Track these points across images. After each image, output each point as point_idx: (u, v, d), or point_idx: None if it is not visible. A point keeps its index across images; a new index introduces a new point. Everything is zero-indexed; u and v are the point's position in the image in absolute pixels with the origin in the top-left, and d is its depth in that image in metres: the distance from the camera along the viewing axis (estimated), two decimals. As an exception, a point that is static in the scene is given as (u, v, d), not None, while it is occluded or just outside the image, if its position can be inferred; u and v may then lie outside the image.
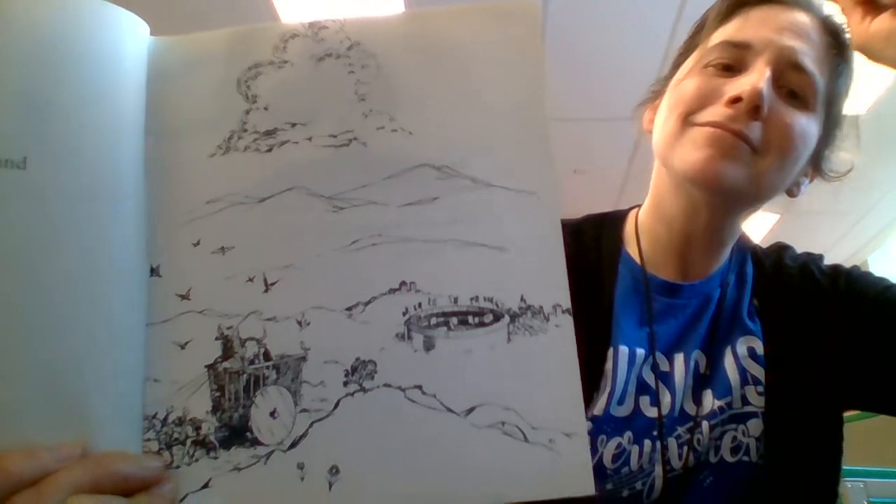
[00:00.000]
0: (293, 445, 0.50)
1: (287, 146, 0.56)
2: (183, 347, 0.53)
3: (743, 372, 0.79)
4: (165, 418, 0.52)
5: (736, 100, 0.71)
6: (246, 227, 0.55)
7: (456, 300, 0.54)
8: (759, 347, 0.80)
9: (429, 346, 0.53)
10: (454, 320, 0.53)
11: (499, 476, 0.51)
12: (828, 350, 0.78)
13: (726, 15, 0.79)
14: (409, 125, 0.56)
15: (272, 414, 0.51)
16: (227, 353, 0.53)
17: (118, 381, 0.50)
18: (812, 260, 0.87)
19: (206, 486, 0.49)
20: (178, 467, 0.49)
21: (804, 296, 0.82)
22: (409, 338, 0.52)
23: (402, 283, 0.54)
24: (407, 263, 0.53)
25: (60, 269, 0.49)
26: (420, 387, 0.51)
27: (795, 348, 0.78)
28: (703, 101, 0.75)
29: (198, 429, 0.50)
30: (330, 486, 0.50)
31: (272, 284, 0.54)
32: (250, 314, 0.53)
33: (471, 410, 0.51)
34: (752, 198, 0.78)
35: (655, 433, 0.77)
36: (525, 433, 0.51)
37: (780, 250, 0.89)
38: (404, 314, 0.53)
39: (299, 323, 0.53)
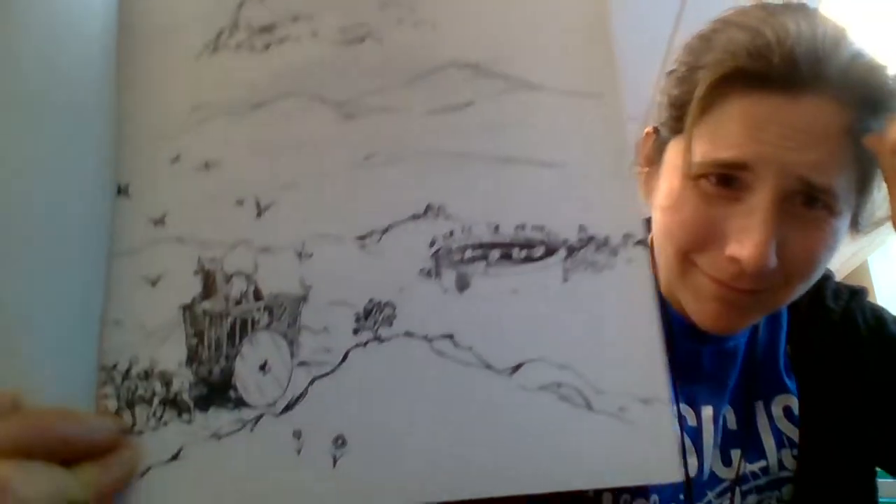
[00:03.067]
0: (288, 408, 0.41)
1: (287, 44, 0.46)
2: (154, 283, 0.44)
3: (778, 434, 0.72)
4: (128, 370, 0.42)
5: (736, 260, 0.59)
6: (236, 140, 0.46)
7: (497, 228, 0.43)
8: (795, 406, 0.73)
9: (462, 285, 0.43)
10: (495, 254, 0.43)
11: (552, 454, 0.40)
12: (865, 408, 0.71)
13: (713, 99, 0.60)
14: (434, 16, 0.46)
15: (262, 367, 0.42)
16: (209, 290, 0.43)
17: (68, 319, 0.40)
18: (856, 302, 0.77)
19: (175, 457, 0.41)
20: (140, 432, 0.41)
21: (844, 345, 0.74)
22: (437, 275, 0.42)
23: (429, 207, 0.43)
24: (434, 182, 0.44)
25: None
26: (451, 336, 0.41)
27: (831, 406, 0.72)
28: (701, 241, 0.62)
29: (168, 384, 0.42)
30: (334, 460, 0.40)
31: (266, 208, 0.44)
32: (239, 243, 0.44)
33: (517, 368, 0.41)
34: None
35: (682, 497, 0.68)
36: (588, 398, 0.40)
37: (819, 282, 0.76)
38: (431, 245, 0.43)
39: (299, 255, 0.43)
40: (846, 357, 0.73)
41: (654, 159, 0.71)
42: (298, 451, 0.40)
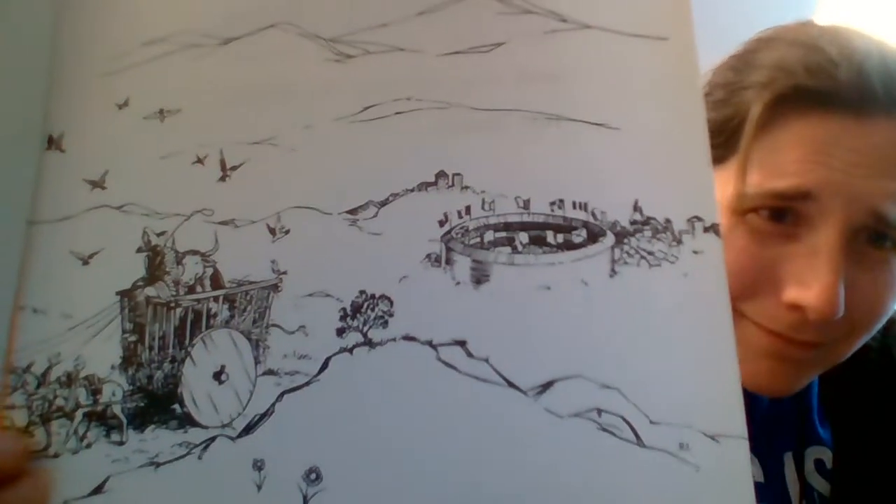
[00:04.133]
0: (248, 430, 0.34)
1: (269, -37, 0.39)
2: (86, 262, 0.37)
3: (809, 491, 0.66)
4: (45, 373, 0.35)
5: (799, 306, 0.52)
6: (200, 82, 0.39)
7: (527, 205, 0.36)
8: (828, 459, 0.66)
9: (480, 276, 0.35)
10: (523, 237, 0.36)
11: (589, 499, 0.33)
12: None
13: (768, 119, 0.54)
14: (457, -68, 0.39)
15: (218, 376, 0.35)
16: (155, 273, 0.36)
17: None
18: (893, 336, 0.71)
19: (98, 489, 0.34)
20: (56, 455, 0.34)
21: (882, 387, 0.68)
22: (448, 262, 0.35)
23: (441, 175, 0.36)
24: (449, 144, 0.36)
25: None
26: (463, 343, 0.34)
27: (868, 458, 0.66)
28: (752, 287, 0.55)
29: (96, 393, 0.35)
30: (305, 500, 0.33)
31: (234, 168, 0.37)
32: (195, 213, 0.37)
33: (546, 387, 0.34)
34: None
35: None
36: (637, 431, 0.33)
37: None
38: (442, 224, 0.36)
39: (271, 230, 0.36)
40: (885, 400, 0.67)
41: None
42: (259, 487, 0.33)
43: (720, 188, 0.55)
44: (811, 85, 0.51)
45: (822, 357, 0.57)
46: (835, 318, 0.50)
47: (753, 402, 0.66)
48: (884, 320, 0.57)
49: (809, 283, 0.51)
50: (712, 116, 0.57)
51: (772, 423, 0.67)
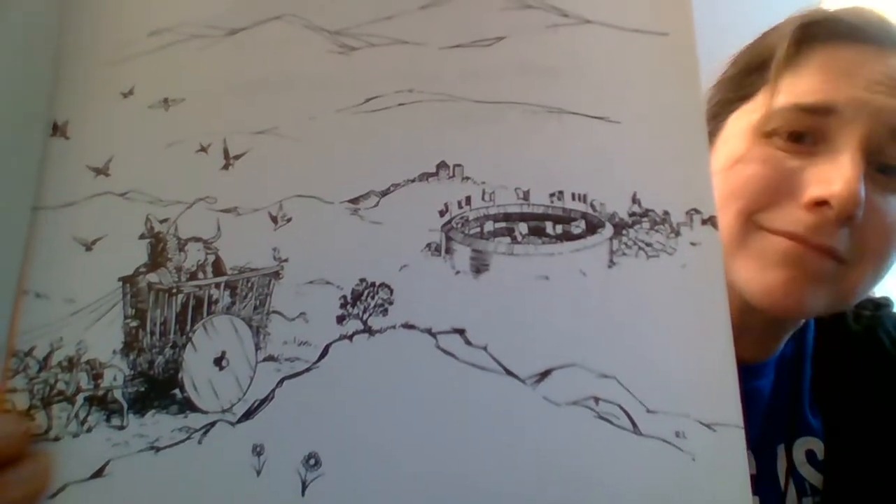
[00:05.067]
0: (248, 415, 0.34)
1: (274, -44, 0.39)
2: (89, 247, 0.37)
3: (800, 482, 0.65)
4: (47, 357, 0.35)
5: (821, 202, 0.53)
6: (204, 72, 0.38)
7: (526, 196, 0.36)
8: (820, 450, 0.66)
9: (479, 266, 0.35)
10: (522, 227, 0.36)
11: (584, 488, 0.33)
12: (893, 441, 0.65)
13: (796, 51, 0.57)
14: (460, -72, 0.39)
15: (218, 361, 0.34)
16: (157, 259, 0.36)
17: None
18: (880, 319, 0.71)
19: (99, 473, 0.33)
20: (57, 439, 0.34)
21: (868, 370, 0.68)
22: (447, 251, 0.35)
23: (442, 166, 0.36)
24: (450, 135, 0.36)
25: None
26: (462, 331, 0.34)
27: (858, 446, 0.65)
28: (772, 195, 0.56)
29: (97, 378, 0.35)
30: (304, 485, 0.33)
31: (237, 157, 0.37)
32: (198, 201, 0.37)
33: (544, 376, 0.34)
34: (836, 311, 0.64)
35: None
36: (634, 418, 0.33)
37: None
38: (442, 214, 0.36)
39: (274, 218, 0.36)
40: (871, 384, 0.67)
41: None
42: (258, 472, 0.33)
43: (747, 117, 0.59)
44: (838, 17, 0.55)
45: (835, 278, 0.56)
46: (855, 215, 0.51)
47: (757, 398, 0.66)
48: (891, 259, 0.57)
49: (832, 180, 0.52)
50: (745, 59, 0.62)
51: (769, 417, 0.66)
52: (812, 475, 0.65)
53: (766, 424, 0.66)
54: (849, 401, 0.66)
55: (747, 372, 0.66)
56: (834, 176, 0.52)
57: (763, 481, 0.65)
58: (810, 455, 0.66)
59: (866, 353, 0.68)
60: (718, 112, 0.63)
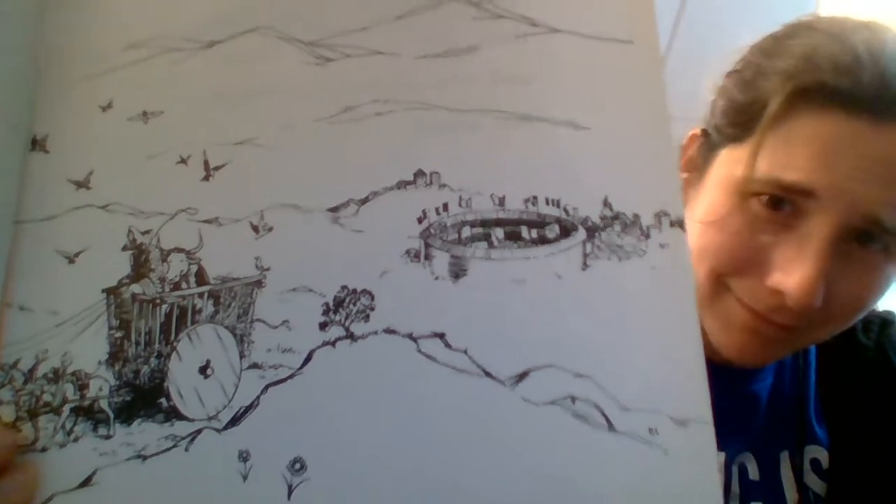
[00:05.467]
0: (234, 422, 0.34)
1: (250, -32, 0.39)
2: (72, 260, 0.37)
3: (805, 491, 0.65)
4: (32, 369, 0.35)
5: (779, 291, 0.54)
6: (182, 84, 0.39)
7: (502, 202, 0.37)
8: (825, 459, 0.66)
9: (458, 271, 0.36)
10: (499, 233, 0.36)
11: (562, 484, 0.34)
12: None
13: (787, 109, 0.54)
14: (433, -60, 0.39)
15: (203, 370, 0.35)
16: (140, 270, 0.36)
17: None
18: (889, 336, 0.71)
19: (86, 482, 0.34)
20: (44, 449, 0.34)
21: (878, 386, 0.67)
22: (426, 257, 0.36)
23: (419, 174, 0.37)
24: (427, 143, 0.37)
25: None
26: (442, 335, 0.35)
27: (864, 458, 0.65)
28: (739, 266, 0.57)
29: (83, 388, 0.35)
30: (290, 489, 0.33)
31: (217, 168, 0.38)
32: (180, 212, 0.37)
33: (522, 377, 0.35)
34: None
35: None
36: (609, 417, 0.34)
37: None
38: (420, 221, 0.36)
39: (255, 228, 0.37)
40: (880, 399, 0.67)
41: (698, 164, 0.64)
42: (245, 477, 0.34)
43: (731, 167, 0.57)
44: (833, 83, 0.51)
45: (796, 340, 0.58)
46: (811, 309, 0.51)
47: (754, 402, 0.67)
48: (861, 315, 0.57)
49: (792, 272, 0.51)
50: (737, 96, 0.59)
51: (771, 422, 0.66)
52: (816, 484, 0.65)
53: (766, 429, 0.66)
54: (855, 413, 0.66)
55: (744, 375, 0.66)
56: (794, 268, 0.52)
57: (767, 488, 0.65)
58: (815, 464, 0.66)
59: (876, 370, 0.68)
60: (712, 141, 0.62)
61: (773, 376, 0.69)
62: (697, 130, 0.65)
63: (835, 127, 0.51)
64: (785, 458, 0.66)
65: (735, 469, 0.66)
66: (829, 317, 0.55)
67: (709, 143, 0.62)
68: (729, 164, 0.59)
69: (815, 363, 0.70)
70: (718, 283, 0.58)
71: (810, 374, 0.69)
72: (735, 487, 0.65)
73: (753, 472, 0.66)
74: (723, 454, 0.65)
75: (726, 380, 0.65)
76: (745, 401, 0.68)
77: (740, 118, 0.57)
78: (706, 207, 0.59)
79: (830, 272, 0.52)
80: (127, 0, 0.40)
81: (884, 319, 0.71)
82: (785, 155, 0.53)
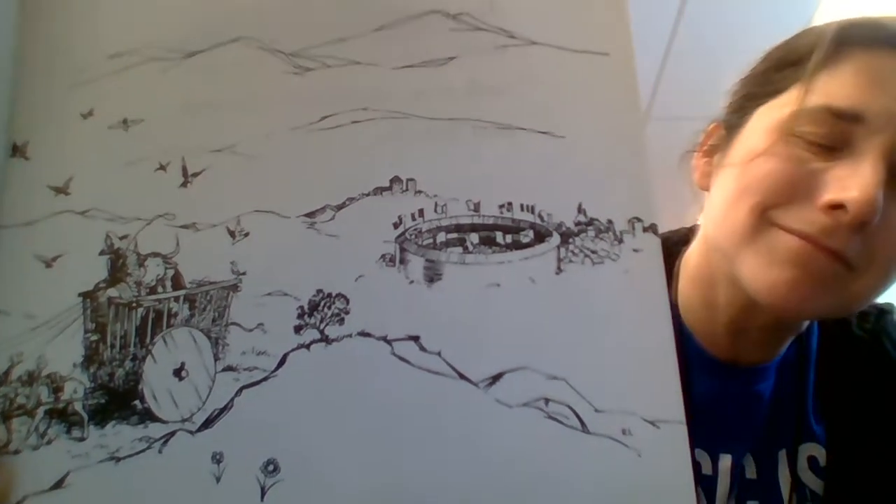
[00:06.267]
0: (208, 424, 0.34)
1: (231, -20, 0.40)
2: (49, 264, 0.37)
3: (801, 489, 0.64)
4: (6, 372, 0.35)
5: (837, 206, 0.52)
6: (163, 93, 0.39)
7: (477, 207, 0.37)
8: (822, 457, 0.65)
9: (432, 275, 0.36)
10: (473, 238, 0.37)
11: (536, 485, 0.34)
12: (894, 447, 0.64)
13: (834, 51, 0.56)
14: (413, -47, 0.40)
15: (178, 372, 0.35)
16: (116, 275, 0.36)
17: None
18: (884, 327, 0.70)
19: (59, 484, 0.33)
20: (17, 451, 0.34)
21: (873, 378, 0.66)
22: (401, 262, 0.36)
23: (395, 180, 0.37)
24: (403, 151, 0.38)
25: None
26: (417, 338, 0.35)
27: (860, 454, 0.64)
28: (789, 192, 0.55)
29: (57, 391, 0.35)
30: (263, 491, 0.33)
31: (195, 175, 0.38)
32: (157, 218, 0.37)
33: (496, 379, 0.35)
34: (838, 316, 0.65)
35: None
36: (583, 418, 0.34)
37: None
38: (396, 226, 0.37)
39: (231, 233, 0.37)
40: (875, 392, 0.66)
41: (718, 148, 0.64)
42: (218, 479, 0.33)
43: (773, 113, 0.58)
44: (881, 23, 0.55)
45: (841, 283, 0.55)
46: (870, 222, 0.51)
47: (758, 402, 0.66)
48: None
49: (851, 186, 0.51)
50: (769, 62, 0.61)
51: (771, 421, 0.66)
52: (813, 482, 0.64)
53: (768, 429, 0.66)
54: (852, 408, 0.66)
55: (748, 375, 0.66)
56: (853, 181, 0.51)
57: (763, 486, 0.65)
58: (812, 461, 0.65)
59: (871, 360, 0.68)
60: (743, 105, 0.62)
61: (775, 375, 0.68)
62: (717, 124, 0.66)
63: (881, 60, 0.53)
64: (782, 456, 0.66)
65: (736, 471, 0.65)
66: (873, 258, 0.54)
67: (739, 111, 0.62)
68: (770, 113, 0.59)
69: (815, 364, 0.69)
70: (762, 219, 0.56)
71: (809, 371, 0.68)
72: (734, 489, 0.65)
73: (750, 471, 0.65)
74: (729, 456, 0.64)
75: (733, 380, 0.65)
76: (751, 401, 0.67)
77: (781, 72, 0.59)
78: (746, 150, 0.59)
79: (882, 198, 0.51)
80: (110, 10, 0.40)
81: (880, 310, 0.71)
82: (834, 86, 0.54)
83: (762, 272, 0.56)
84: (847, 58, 0.54)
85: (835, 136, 0.53)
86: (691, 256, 0.68)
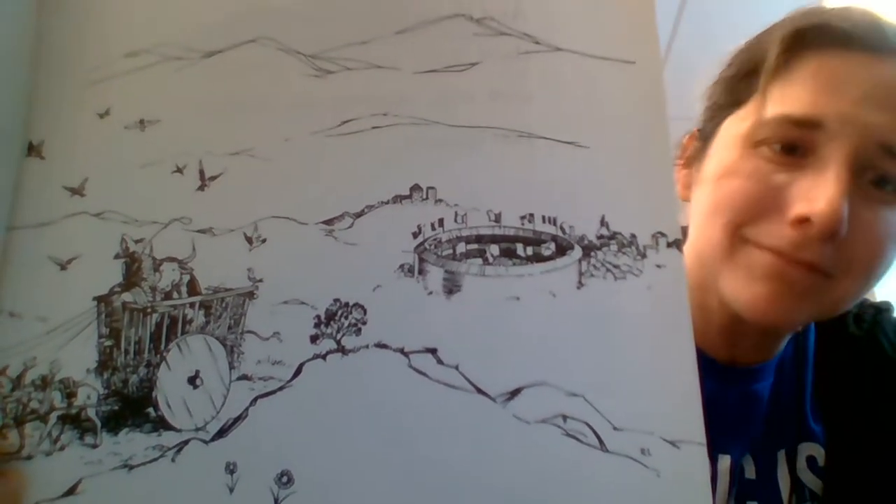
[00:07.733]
0: (222, 434, 0.34)
1: (252, -21, 0.39)
2: (64, 267, 0.36)
3: (800, 489, 0.65)
4: (20, 376, 0.35)
5: (803, 220, 0.52)
6: (181, 93, 0.38)
7: (498, 218, 0.36)
8: (821, 456, 0.65)
9: (451, 286, 0.35)
10: (494, 249, 0.36)
11: (554, 502, 0.33)
12: (893, 446, 0.64)
13: (786, 59, 0.56)
14: (437, -45, 0.39)
15: (192, 380, 0.34)
16: (132, 279, 0.35)
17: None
18: (880, 324, 0.70)
19: (71, 491, 0.33)
20: (29, 457, 0.33)
21: (870, 376, 0.67)
22: (420, 272, 0.35)
23: (415, 189, 0.37)
24: (424, 159, 0.37)
25: None
26: (434, 351, 0.34)
27: (859, 453, 0.65)
28: (757, 210, 0.56)
29: (70, 396, 0.34)
30: (276, 502, 0.33)
31: (212, 179, 0.37)
32: (174, 222, 0.37)
33: (514, 394, 0.34)
34: (822, 320, 0.65)
35: None
36: (601, 436, 0.33)
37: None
38: (416, 235, 0.36)
39: (249, 239, 0.36)
40: (872, 390, 0.66)
41: (695, 159, 0.65)
42: (231, 489, 0.33)
43: (737, 125, 0.58)
44: (829, 24, 0.53)
45: (820, 292, 0.55)
46: (838, 232, 0.51)
47: (757, 402, 0.66)
48: (881, 268, 0.56)
49: (815, 198, 0.51)
50: (733, 68, 0.61)
51: (770, 421, 0.65)
52: (812, 481, 0.64)
53: (767, 428, 0.66)
54: (850, 407, 0.66)
55: (747, 374, 0.65)
56: (817, 193, 0.51)
57: (763, 487, 0.64)
58: (811, 461, 0.65)
59: (867, 358, 0.68)
60: (713, 115, 0.62)
61: (774, 376, 0.68)
62: (695, 131, 0.65)
63: (835, 62, 0.53)
64: (782, 456, 0.66)
65: (736, 471, 0.65)
66: (850, 262, 0.54)
67: (711, 120, 0.62)
68: (734, 125, 0.59)
69: (813, 363, 0.69)
70: (735, 237, 0.56)
71: (807, 371, 0.68)
72: (733, 489, 0.65)
73: (750, 471, 0.65)
74: (728, 457, 0.64)
75: (731, 380, 0.64)
76: (749, 401, 0.67)
77: (742, 81, 0.58)
78: (716, 165, 0.59)
79: (850, 208, 0.51)
80: (127, 8, 0.39)
81: (877, 308, 0.71)
82: (790, 94, 0.54)
83: (741, 289, 0.56)
84: (799, 63, 0.55)
85: (797, 143, 0.53)
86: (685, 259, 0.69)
